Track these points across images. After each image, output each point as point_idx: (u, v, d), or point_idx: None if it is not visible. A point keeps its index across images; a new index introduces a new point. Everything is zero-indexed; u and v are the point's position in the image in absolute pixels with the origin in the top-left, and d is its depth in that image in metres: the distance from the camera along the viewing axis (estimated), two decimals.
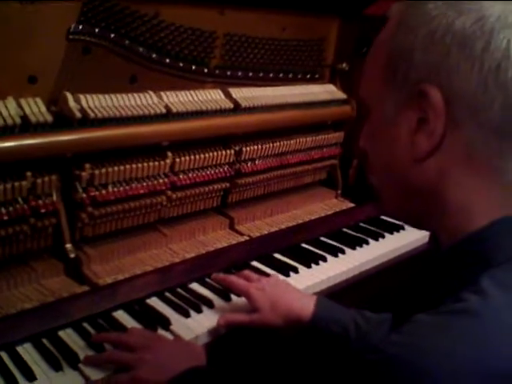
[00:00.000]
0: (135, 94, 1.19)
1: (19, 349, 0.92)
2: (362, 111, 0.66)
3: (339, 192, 1.74)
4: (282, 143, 1.50)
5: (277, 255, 1.35)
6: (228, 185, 1.41)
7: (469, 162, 0.56)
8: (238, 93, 1.40)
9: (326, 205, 1.68)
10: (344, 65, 1.69)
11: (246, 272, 1.16)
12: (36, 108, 1.04)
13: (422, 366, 0.48)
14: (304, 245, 1.42)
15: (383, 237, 1.51)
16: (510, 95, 0.53)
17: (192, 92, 1.31)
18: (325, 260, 1.34)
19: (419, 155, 0.58)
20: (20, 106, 1.02)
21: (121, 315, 1.05)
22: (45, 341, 0.95)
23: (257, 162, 1.45)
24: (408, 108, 0.58)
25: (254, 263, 1.30)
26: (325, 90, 1.65)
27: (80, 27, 1.13)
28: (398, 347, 0.51)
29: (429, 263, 0.63)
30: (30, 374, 0.86)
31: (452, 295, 0.54)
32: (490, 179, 0.56)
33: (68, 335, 0.97)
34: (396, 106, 0.59)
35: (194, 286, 1.18)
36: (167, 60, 1.29)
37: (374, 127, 0.64)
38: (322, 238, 1.47)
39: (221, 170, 1.36)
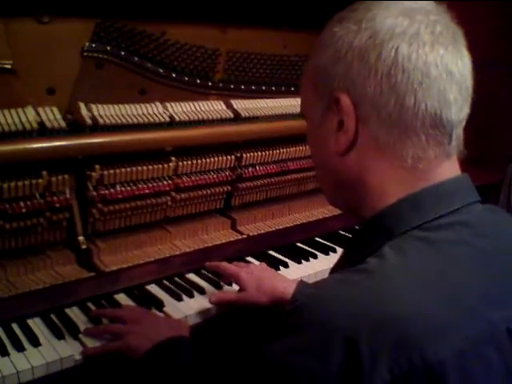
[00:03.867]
0: (142, 105, 1.35)
1: (29, 321, 1.06)
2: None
3: None
4: (281, 150, 1.61)
5: (271, 252, 1.46)
6: (230, 188, 1.53)
7: (379, 151, 0.68)
8: (239, 104, 1.53)
9: (327, 210, 1.78)
10: None
11: (236, 262, 1.28)
12: (52, 115, 1.20)
13: (324, 313, 0.59)
14: (299, 244, 1.53)
15: None
16: (401, 95, 0.64)
17: (195, 103, 1.45)
18: (315, 257, 1.45)
19: (341, 150, 0.70)
20: (38, 114, 1.18)
21: (121, 297, 1.18)
22: (52, 316, 1.09)
23: (257, 167, 1.58)
24: (330, 113, 0.70)
25: (248, 258, 1.41)
26: None
27: (93, 45, 1.30)
28: (307, 298, 0.63)
29: (350, 238, 0.74)
30: (35, 341, 1.00)
31: (362, 262, 0.65)
32: (397, 164, 0.67)
33: (73, 312, 1.11)
34: (322, 113, 0.72)
35: (191, 275, 1.31)
36: (173, 75, 1.45)
37: (310, 133, 0.77)
38: (317, 239, 1.57)
39: (222, 174, 1.49)
